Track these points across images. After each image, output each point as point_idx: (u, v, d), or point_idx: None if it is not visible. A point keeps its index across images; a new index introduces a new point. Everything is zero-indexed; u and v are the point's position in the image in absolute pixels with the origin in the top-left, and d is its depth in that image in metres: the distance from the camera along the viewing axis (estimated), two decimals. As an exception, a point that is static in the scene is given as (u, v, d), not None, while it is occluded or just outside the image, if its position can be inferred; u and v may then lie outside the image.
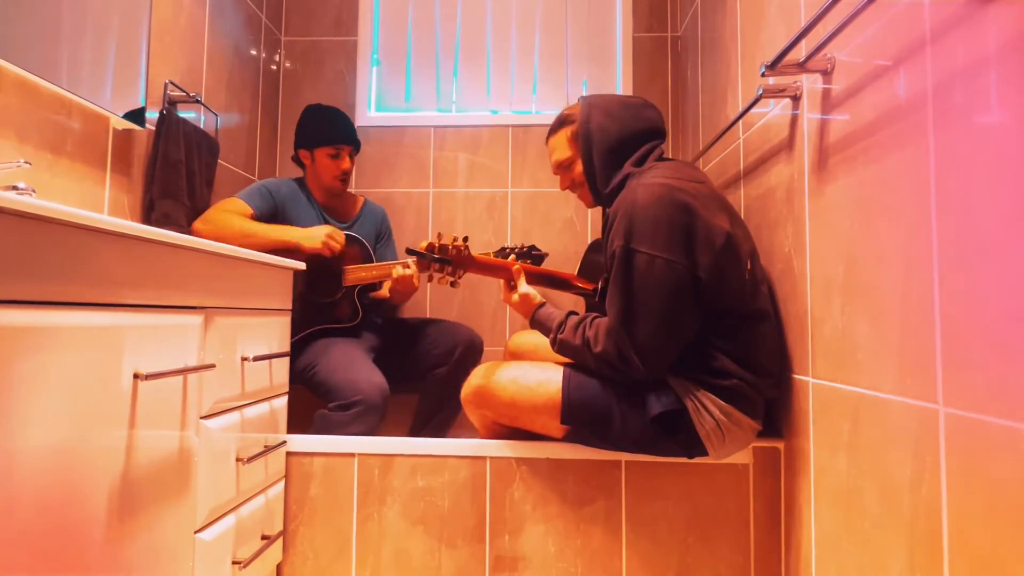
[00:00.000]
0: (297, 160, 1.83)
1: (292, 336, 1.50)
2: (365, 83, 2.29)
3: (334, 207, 1.86)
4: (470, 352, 1.79)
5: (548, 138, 1.39)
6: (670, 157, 1.29)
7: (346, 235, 1.74)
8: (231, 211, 1.64)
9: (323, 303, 1.72)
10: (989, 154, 0.64)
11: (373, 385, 1.53)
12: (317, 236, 1.62)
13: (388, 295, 1.77)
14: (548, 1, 2.30)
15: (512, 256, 1.67)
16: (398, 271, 1.64)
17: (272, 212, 1.72)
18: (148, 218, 1.49)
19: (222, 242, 1.55)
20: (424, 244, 1.32)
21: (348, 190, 1.90)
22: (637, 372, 1.13)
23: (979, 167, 0.66)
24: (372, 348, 1.77)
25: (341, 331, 1.74)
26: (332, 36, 2.32)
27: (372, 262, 1.76)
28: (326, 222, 1.81)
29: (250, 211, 1.66)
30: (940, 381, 0.72)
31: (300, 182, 1.83)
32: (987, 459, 0.64)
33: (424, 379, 1.82)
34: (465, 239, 1.33)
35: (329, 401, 1.55)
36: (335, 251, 1.64)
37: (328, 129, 1.77)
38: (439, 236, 1.33)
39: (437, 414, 1.82)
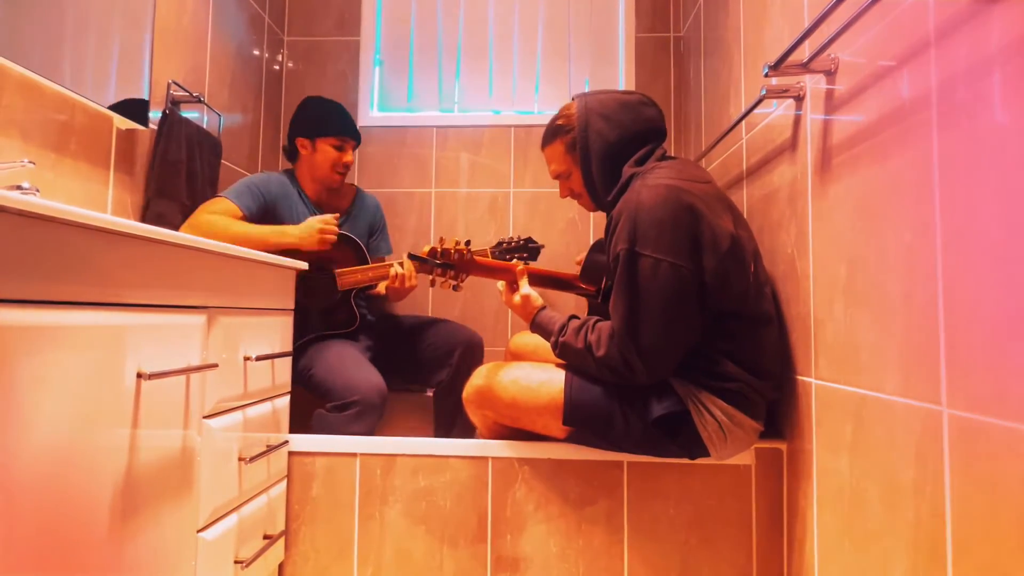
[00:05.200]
0: (291, 149, 1.75)
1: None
2: (367, 83, 2.29)
3: (326, 202, 1.79)
4: (469, 352, 1.77)
5: (544, 148, 1.35)
6: (672, 156, 1.28)
7: (338, 235, 1.66)
8: (217, 212, 1.54)
9: (319, 309, 1.69)
10: (993, 155, 0.64)
11: (371, 385, 1.52)
12: (312, 234, 1.56)
13: (384, 292, 1.75)
14: (550, 1, 2.30)
15: (514, 259, 1.67)
16: (395, 269, 1.62)
17: (263, 211, 1.63)
18: (143, 218, 1.48)
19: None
20: (427, 249, 1.31)
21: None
22: (640, 376, 1.12)
23: (983, 168, 0.66)
24: (368, 348, 1.76)
25: (338, 336, 1.72)
26: (335, 36, 2.32)
27: (366, 263, 1.72)
28: None
29: (239, 212, 1.56)
30: (944, 382, 0.72)
31: (290, 175, 1.75)
32: (991, 461, 0.64)
33: (425, 382, 1.81)
34: (468, 243, 1.33)
35: (327, 402, 1.54)
36: (333, 241, 1.59)
37: (336, 120, 1.72)
38: (441, 240, 1.33)
39: (455, 425, 1.78)
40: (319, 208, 1.77)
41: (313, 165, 1.72)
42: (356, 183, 2.20)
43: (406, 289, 1.66)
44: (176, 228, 1.52)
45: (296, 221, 1.67)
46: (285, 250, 1.54)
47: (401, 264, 1.62)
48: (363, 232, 1.84)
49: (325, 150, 1.70)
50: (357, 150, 1.79)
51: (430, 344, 1.78)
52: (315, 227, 1.58)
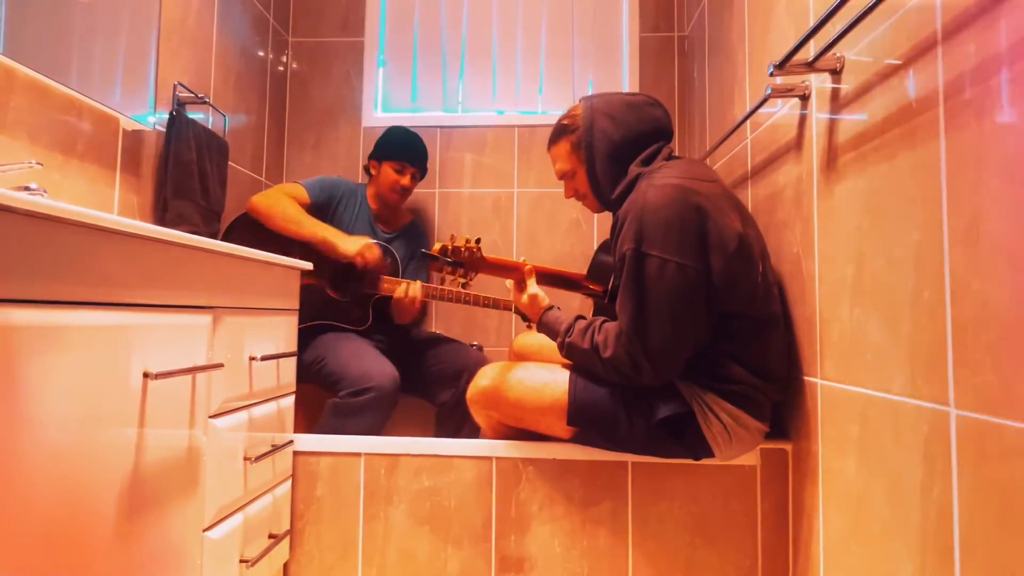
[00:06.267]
0: (367, 169, 1.96)
1: (299, 323, 1.51)
2: (372, 84, 2.30)
3: (384, 217, 1.95)
4: None
5: (549, 147, 1.36)
6: (678, 156, 1.28)
7: (380, 245, 1.79)
8: (289, 194, 1.75)
9: (336, 300, 1.76)
10: (1001, 153, 0.64)
11: (385, 374, 1.56)
12: (354, 243, 1.68)
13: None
14: (554, 1, 2.30)
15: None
16: (401, 291, 1.70)
17: (327, 205, 1.83)
18: (162, 219, 1.50)
19: (270, 218, 1.67)
20: (437, 246, 1.32)
21: (402, 207, 2.01)
22: (647, 377, 1.12)
23: (991, 166, 0.65)
24: (379, 349, 1.78)
25: (348, 331, 1.76)
26: (339, 37, 2.32)
27: (398, 276, 1.80)
28: (372, 228, 1.89)
29: (307, 198, 1.77)
30: (951, 383, 0.71)
31: (363, 187, 1.95)
32: (999, 462, 0.64)
33: (429, 398, 1.84)
34: (478, 240, 1.34)
35: (340, 391, 1.56)
36: (367, 263, 1.68)
37: (399, 148, 1.90)
38: (452, 238, 1.33)
39: None
40: (376, 219, 1.93)
41: (378, 183, 1.91)
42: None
43: (409, 312, 1.73)
44: (196, 228, 1.57)
45: (354, 222, 1.88)
46: (323, 245, 1.67)
47: (411, 286, 1.72)
48: (404, 255, 1.96)
49: (387, 172, 1.89)
50: (416, 177, 1.93)
51: (439, 361, 1.83)
52: (361, 241, 1.70)
